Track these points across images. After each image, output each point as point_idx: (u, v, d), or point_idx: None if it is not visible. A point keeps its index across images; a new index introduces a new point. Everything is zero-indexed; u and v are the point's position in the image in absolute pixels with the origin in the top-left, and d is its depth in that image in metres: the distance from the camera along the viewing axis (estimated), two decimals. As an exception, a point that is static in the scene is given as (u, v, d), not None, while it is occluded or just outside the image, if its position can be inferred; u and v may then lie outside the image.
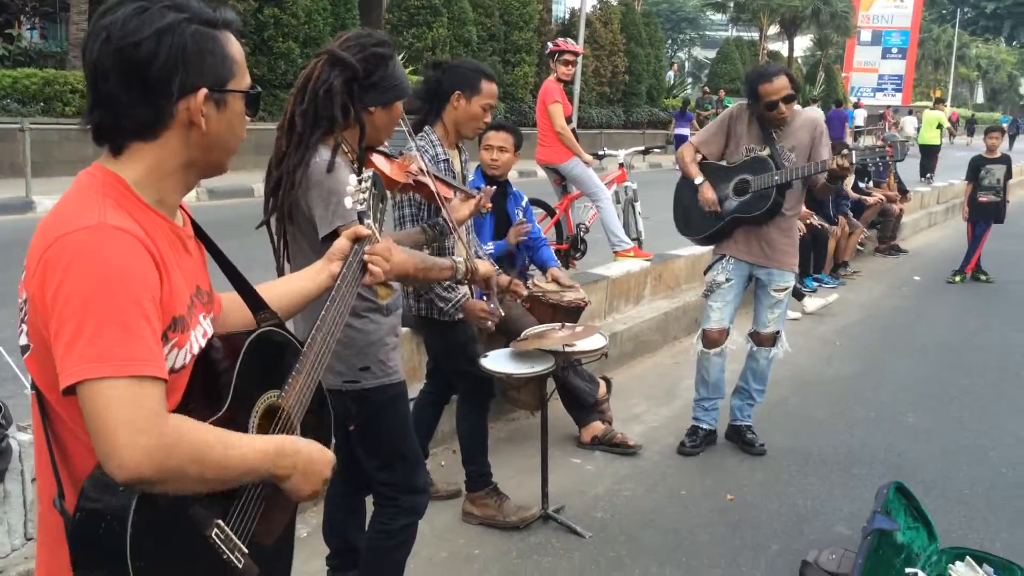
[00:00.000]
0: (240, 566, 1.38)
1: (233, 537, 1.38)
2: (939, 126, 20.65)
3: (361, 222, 1.87)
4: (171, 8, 1.37)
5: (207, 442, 1.29)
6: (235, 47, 1.45)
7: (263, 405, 1.50)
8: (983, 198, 9.67)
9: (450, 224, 2.77)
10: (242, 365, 1.44)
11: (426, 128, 3.39)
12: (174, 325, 1.36)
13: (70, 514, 1.30)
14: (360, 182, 1.90)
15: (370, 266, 1.82)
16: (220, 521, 1.36)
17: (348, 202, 1.88)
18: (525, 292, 4.04)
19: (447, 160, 3.35)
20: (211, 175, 1.52)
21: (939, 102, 23.73)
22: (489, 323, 3.25)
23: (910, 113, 30.93)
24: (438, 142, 3.36)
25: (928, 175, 19.59)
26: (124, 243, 1.28)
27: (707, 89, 28.51)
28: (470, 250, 3.12)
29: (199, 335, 1.45)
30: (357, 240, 1.82)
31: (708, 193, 4.41)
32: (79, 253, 1.25)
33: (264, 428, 1.50)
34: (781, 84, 4.25)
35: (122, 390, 1.22)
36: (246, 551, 1.40)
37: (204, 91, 1.38)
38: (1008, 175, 9.67)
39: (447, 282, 3.23)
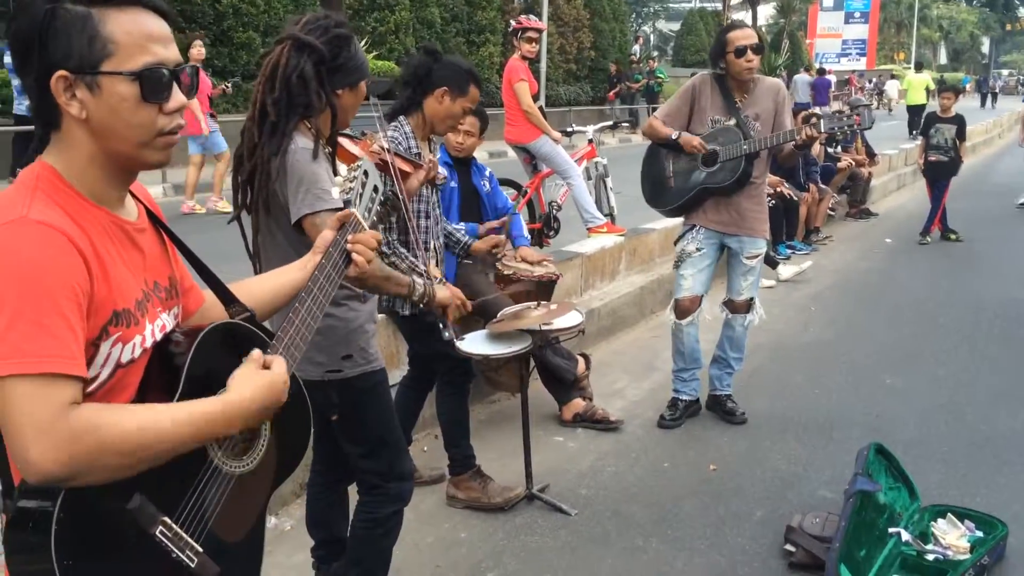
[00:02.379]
0: (192, 565, 1.33)
1: (183, 535, 1.33)
2: (928, 88, 22.37)
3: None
4: None
5: (122, 426, 1.25)
6: (120, 24, 1.32)
7: None
8: (932, 157, 9.78)
9: (403, 199, 2.73)
10: (194, 357, 1.40)
11: (400, 119, 3.35)
12: (115, 319, 1.33)
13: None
14: (349, 171, 1.85)
15: (353, 255, 1.74)
16: (167, 518, 1.32)
17: (335, 192, 1.84)
18: (500, 242, 3.98)
19: (419, 154, 3.30)
20: (133, 168, 1.42)
21: (920, 66, 25.86)
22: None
23: (892, 77, 33.19)
24: (411, 134, 3.32)
25: (916, 132, 20.74)
26: (43, 236, 1.24)
27: (635, 57, 26.96)
28: (431, 263, 3.08)
29: (156, 329, 1.42)
30: (341, 228, 1.75)
31: (692, 140, 4.38)
32: None
33: None
34: (748, 33, 4.34)
35: (28, 388, 1.19)
36: (200, 549, 1.35)
37: (59, 73, 1.30)
38: (960, 136, 9.71)
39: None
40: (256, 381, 1.42)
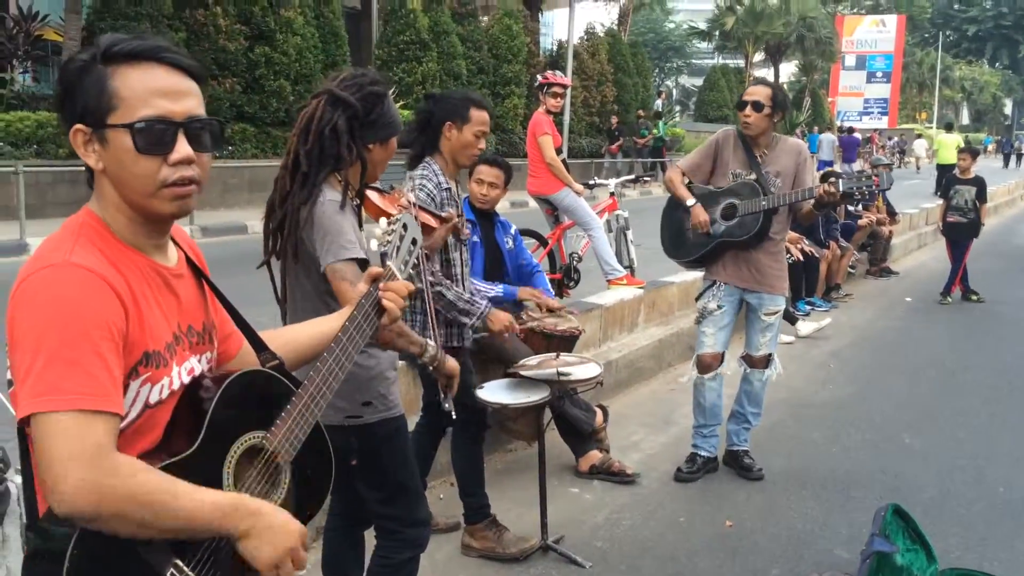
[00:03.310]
0: None
1: None
2: (958, 148, 22.52)
3: (383, 264, 1.84)
4: (93, 44, 1.41)
5: (152, 487, 1.28)
6: (127, 80, 1.38)
7: (244, 445, 1.49)
8: (950, 218, 9.79)
9: (419, 260, 2.79)
10: (218, 404, 1.44)
11: (427, 159, 3.45)
12: (146, 360, 1.38)
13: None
14: (389, 224, 1.89)
15: (384, 302, 1.75)
16: (179, 561, 1.33)
17: (374, 244, 1.88)
18: (517, 328, 4.08)
19: (449, 189, 3.40)
20: (150, 218, 1.45)
21: (950, 126, 27.08)
22: (507, 335, 3.51)
23: (919, 137, 34.94)
24: (440, 171, 3.42)
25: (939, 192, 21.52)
26: (81, 279, 1.31)
27: (642, 113, 26.11)
28: (437, 338, 3.11)
29: (184, 372, 1.47)
30: (374, 281, 1.78)
31: (701, 215, 4.46)
32: (38, 291, 1.29)
33: (243, 468, 1.49)
34: (757, 90, 4.44)
35: (66, 424, 1.24)
36: None
37: (77, 126, 1.39)
38: (981, 197, 9.71)
39: (464, 303, 3.39)
40: (278, 519, 1.43)
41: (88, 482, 1.23)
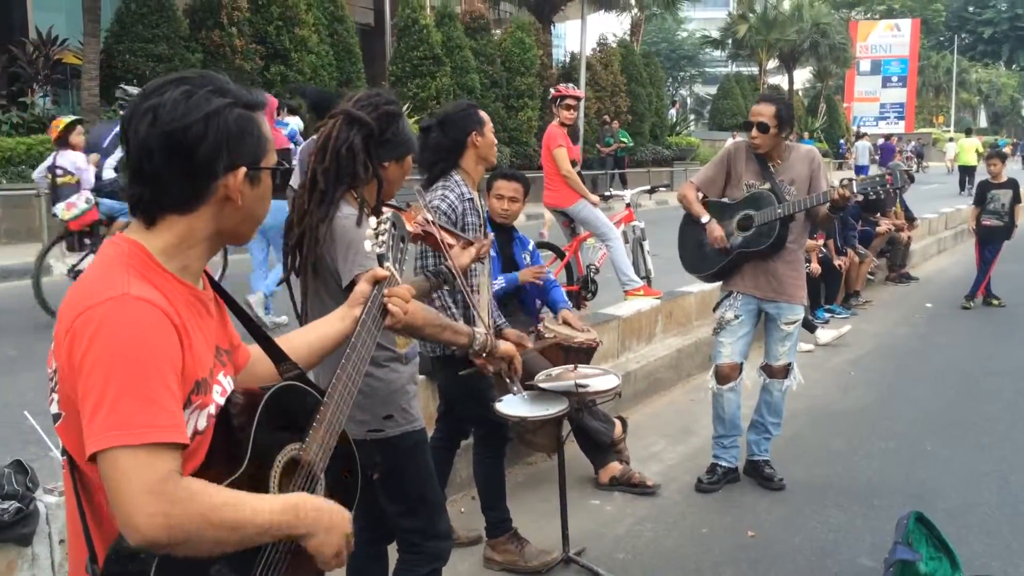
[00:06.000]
0: None
1: None
2: (977, 151, 25.85)
3: (380, 264, 1.89)
4: (215, 93, 1.45)
5: (220, 505, 1.32)
6: (266, 126, 1.54)
7: (284, 459, 1.52)
8: (986, 222, 9.75)
9: (455, 272, 2.83)
10: (259, 422, 1.47)
11: (450, 172, 3.50)
12: (197, 388, 1.42)
13: None
14: (379, 224, 1.93)
15: (389, 307, 1.83)
16: None
17: (368, 245, 1.92)
18: (531, 345, 4.09)
19: (472, 199, 3.45)
20: (237, 244, 1.61)
21: (969, 131, 30.82)
22: (491, 368, 3.33)
23: (951, 140, 38.17)
24: (462, 182, 3.47)
25: (969, 188, 23.68)
26: (147, 314, 1.34)
27: (608, 118, 23.94)
28: (489, 318, 3.17)
29: (218, 394, 1.50)
30: (376, 283, 1.85)
31: (716, 231, 4.47)
32: (103, 324, 1.31)
33: (286, 481, 1.52)
34: (761, 110, 4.40)
35: (138, 458, 1.27)
36: None
37: (244, 169, 1.47)
38: (1016, 199, 9.69)
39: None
40: (334, 509, 1.52)
41: (162, 513, 1.26)
